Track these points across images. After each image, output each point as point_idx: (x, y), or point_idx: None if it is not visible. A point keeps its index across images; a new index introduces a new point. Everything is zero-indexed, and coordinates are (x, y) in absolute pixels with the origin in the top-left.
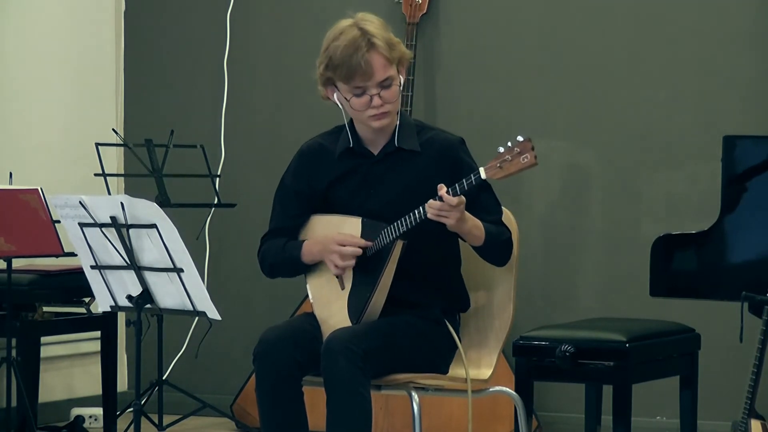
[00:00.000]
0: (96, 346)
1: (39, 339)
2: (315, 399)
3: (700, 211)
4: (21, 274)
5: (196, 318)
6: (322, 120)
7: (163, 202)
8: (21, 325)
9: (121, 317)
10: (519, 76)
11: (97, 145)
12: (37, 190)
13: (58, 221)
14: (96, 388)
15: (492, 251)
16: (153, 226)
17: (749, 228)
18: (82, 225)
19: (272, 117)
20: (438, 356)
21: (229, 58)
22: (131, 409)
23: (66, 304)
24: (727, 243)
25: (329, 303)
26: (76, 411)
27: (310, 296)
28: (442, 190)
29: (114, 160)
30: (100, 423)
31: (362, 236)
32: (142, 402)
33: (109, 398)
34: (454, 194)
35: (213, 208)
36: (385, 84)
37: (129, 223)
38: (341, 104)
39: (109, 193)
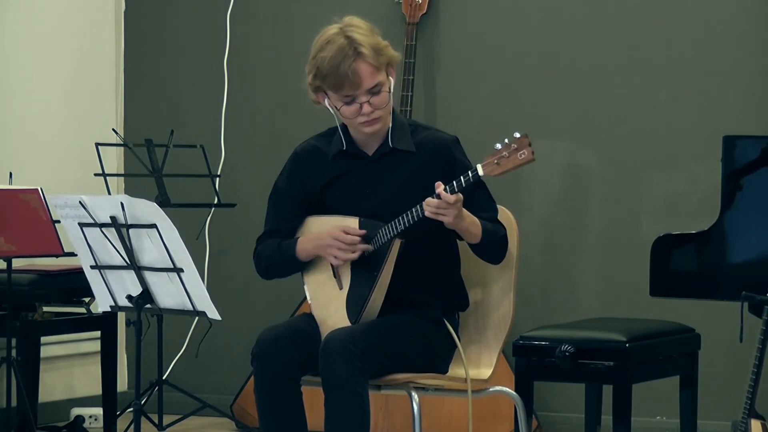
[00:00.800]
0: (96, 346)
1: (39, 339)
2: (314, 399)
3: (700, 211)
4: (21, 274)
5: (196, 318)
6: (322, 120)
7: (163, 202)
8: (21, 325)
9: (121, 317)
10: (519, 76)
11: (97, 145)
12: (37, 190)
13: (58, 221)
14: (96, 388)
15: (489, 249)
16: (153, 226)
17: (749, 228)
18: (82, 225)
19: (272, 117)
20: (437, 356)
21: (229, 58)
22: (131, 409)
23: (66, 304)
24: (727, 243)
25: (327, 303)
26: (76, 411)
27: (308, 297)
28: (440, 187)
29: (114, 160)
30: (100, 423)
31: None
32: (142, 402)
33: (109, 398)
34: (452, 192)
35: (213, 208)
36: (374, 91)
37: (129, 223)
38: (332, 110)
39: (109, 193)
